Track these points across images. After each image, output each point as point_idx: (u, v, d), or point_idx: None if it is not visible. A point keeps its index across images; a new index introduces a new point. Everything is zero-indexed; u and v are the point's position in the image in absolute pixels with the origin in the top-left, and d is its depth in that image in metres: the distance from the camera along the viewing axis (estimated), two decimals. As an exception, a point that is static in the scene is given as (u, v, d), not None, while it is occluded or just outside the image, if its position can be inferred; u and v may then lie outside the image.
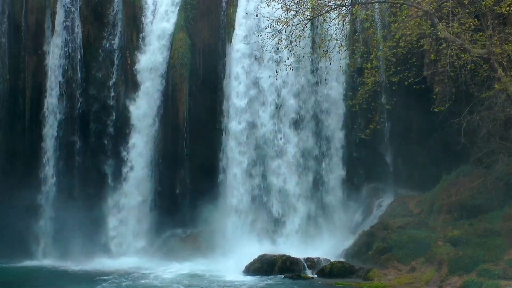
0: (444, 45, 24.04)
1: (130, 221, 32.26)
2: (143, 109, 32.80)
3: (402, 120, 30.85)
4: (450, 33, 23.57)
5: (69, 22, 33.70)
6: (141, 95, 32.87)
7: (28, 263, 31.33)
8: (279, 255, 27.51)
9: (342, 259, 27.19)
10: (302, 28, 24.56)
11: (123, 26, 33.69)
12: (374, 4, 27.99)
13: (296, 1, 24.44)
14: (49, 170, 33.30)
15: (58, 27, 33.61)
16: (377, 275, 25.25)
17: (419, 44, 25.22)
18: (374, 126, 27.52)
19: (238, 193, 30.99)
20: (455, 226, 26.27)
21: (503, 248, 23.64)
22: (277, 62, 29.71)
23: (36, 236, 32.94)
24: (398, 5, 25.34)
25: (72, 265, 30.15)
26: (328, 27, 25.05)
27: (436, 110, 26.18)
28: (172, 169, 32.66)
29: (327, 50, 25.03)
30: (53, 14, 33.67)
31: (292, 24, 24.29)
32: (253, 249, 28.72)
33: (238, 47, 31.83)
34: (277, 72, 28.84)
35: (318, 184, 31.33)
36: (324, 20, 25.05)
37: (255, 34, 29.48)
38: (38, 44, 33.95)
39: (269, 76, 30.94)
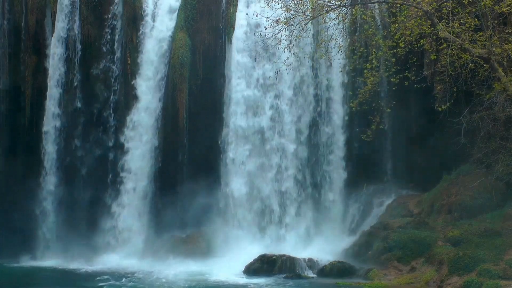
0: (444, 45, 24.04)
1: (130, 221, 32.24)
2: (143, 109, 32.78)
3: (402, 120, 30.86)
4: (450, 33, 23.57)
5: (69, 22, 33.68)
6: (141, 95, 32.82)
7: (29, 263, 31.30)
8: (279, 255, 27.48)
9: (342, 259, 27.11)
10: (302, 28, 24.58)
11: (123, 26, 33.67)
12: (373, 5, 27.98)
13: (296, 1, 24.45)
14: (49, 169, 33.27)
15: (58, 27, 33.56)
16: (377, 275, 25.25)
17: (419, 44, 25.23)
18: (375, 127, 27.47)
19: (238, 193, 30.99)
20: (455, 226, 26.26)
21: (503, 248, 23.64)
22: (277, 62, 29.65)
23: (37, 236, 32.93)
24: (398, 5, 25.35)
25: (73, 265, 30.13)
26: (328, 28, 25.03)
27: (439, 109, 26.16)
28: (172, 169, 32.66)
29: (327, 50, 25.03)
30: (53, 14, 33.59)
31: (292, 25, 24.30)
32: (253, 249, 28.74)
33: (238, 47, 31.82)
34: (277, 72, 28.86)
35: (318, 184, 31.36)
36: (324, 20, 25.03)
37: (255, 34, 29.50)
38: (38, 44, 33.89)
39: (269, 77, 30.94)
